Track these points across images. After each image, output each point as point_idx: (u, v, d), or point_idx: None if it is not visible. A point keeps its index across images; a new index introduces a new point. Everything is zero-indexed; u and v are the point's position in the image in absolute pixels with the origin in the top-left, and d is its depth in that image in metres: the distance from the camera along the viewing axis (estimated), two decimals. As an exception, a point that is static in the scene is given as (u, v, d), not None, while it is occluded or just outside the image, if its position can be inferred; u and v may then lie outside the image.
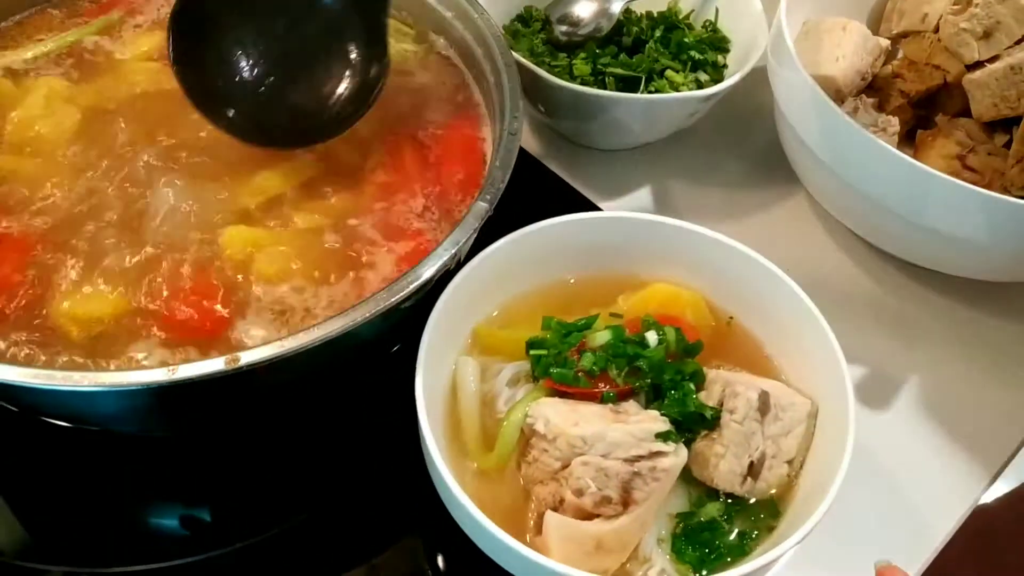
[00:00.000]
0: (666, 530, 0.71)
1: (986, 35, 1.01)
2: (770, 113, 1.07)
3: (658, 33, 1.11)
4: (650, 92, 1.06)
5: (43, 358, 0.72)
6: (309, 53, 0.86)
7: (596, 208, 1.06)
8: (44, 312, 0.74)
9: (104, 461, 0.85)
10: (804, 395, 0.75)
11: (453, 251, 0.72)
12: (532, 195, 0.86)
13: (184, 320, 0.74)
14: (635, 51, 1.09)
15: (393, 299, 0.68)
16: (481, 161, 0.87)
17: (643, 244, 0.83)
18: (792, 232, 1.08)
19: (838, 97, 1.01)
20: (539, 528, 0.69)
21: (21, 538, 0.82)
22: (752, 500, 0.73)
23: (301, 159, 0.85)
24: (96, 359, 0.72)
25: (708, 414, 0.72)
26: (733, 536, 0.71)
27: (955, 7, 1.03)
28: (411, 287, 0.69)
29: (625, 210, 1.02)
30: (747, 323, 0.83)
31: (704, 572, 0.69)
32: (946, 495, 0.88)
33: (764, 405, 0.73)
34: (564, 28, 1.11)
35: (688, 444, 0.72)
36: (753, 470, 0.72)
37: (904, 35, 1.12)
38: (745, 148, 1.17)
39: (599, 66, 1.07)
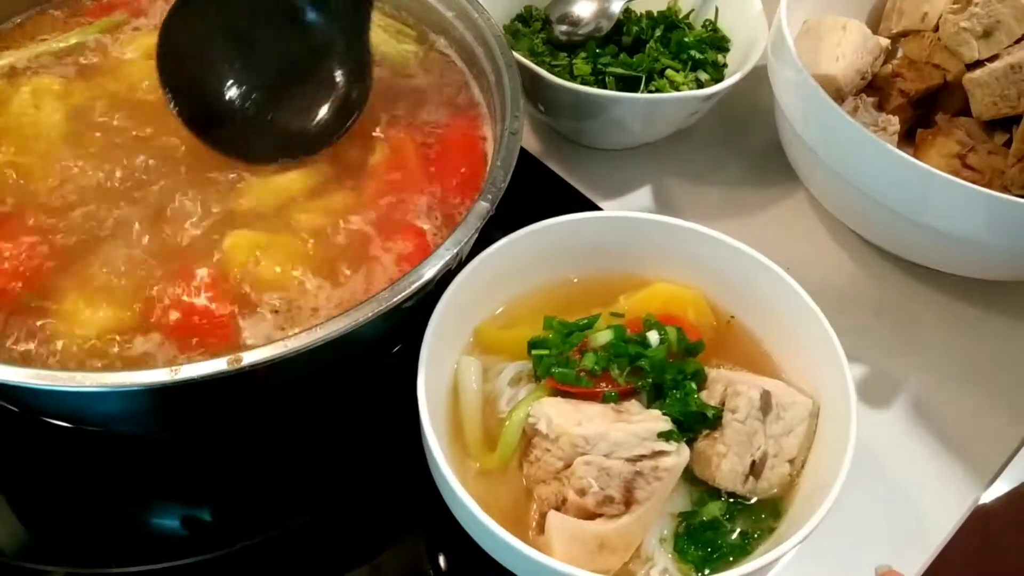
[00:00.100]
0: (668, 529, 0.71)
1: (986, 34, 1.01)
2: (770, 113, 1.07)
3: (658, 32, 1.11)
4: (650, 92, 1.06)
5: (44, 358, 0.71)
6: (293, 72, 0.87)
7: (597, 208, 1.05)
8: (44, 312, 0.74)
9: (104, 461, 0.84)
10: (805, 394, 0.75)
11: (455, 251, 0.72)
12: (533, 195, 0.86)
13: (185, 321, 0.74)
14: (635, 51, 1.09)
15: (395, 299, 0.68)
16: (482, 161, 0.87)
17: (644, 244, 0.83)
18: (792, 231, 1.08)
19: (838, 96, 1.01)
20: (541, 528, 0.69)
21: (21, 538, 0.82)
22: (754, 499, 0.73)
23: (303, 161, 0.85)
24: (98, 360, 0.72)
25: (710, 413, 0.72)
26: (735, 535, 0.71)
27: (955, 6, 1.03)
28: (413, 287, 0.69)
29: (626, 210, 1.01)
30: (748, 322, 0.83)
31: (707, 571, 0.69)
32: (946, 495, 0.88)
33: (766, 404, 0.73)
34: (564, 28, 1.11)
35: (690, 443, 0.72)
36: (755, 469, 0.72)
37: (904, 34, 1.12)
38: (745, 147, 1.17)
39: (599, 66, 1.07)
